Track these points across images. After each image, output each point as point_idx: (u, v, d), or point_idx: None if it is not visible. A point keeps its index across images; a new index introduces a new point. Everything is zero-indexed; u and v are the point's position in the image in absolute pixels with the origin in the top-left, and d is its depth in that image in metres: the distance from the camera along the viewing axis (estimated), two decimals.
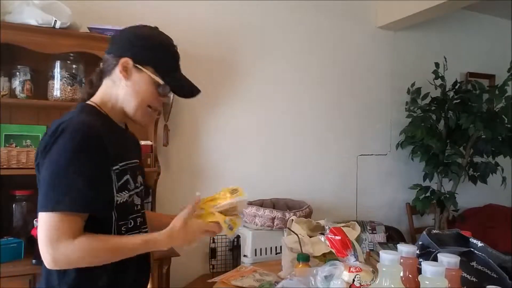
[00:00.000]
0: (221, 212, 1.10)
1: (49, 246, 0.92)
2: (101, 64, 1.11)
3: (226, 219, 1.08)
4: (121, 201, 1.04)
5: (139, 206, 1.13)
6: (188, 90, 1.13)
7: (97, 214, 0.99)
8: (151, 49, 1.07)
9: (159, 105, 1.12)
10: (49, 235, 0.92)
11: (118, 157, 1.04)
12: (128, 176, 1.06)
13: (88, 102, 1.09)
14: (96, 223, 0.99)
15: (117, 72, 1.06)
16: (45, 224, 0.92)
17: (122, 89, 1.07)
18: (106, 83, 1.10)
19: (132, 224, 1.09)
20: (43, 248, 0.93)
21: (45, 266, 0.97)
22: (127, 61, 1.05)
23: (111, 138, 1.02)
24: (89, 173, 0.95)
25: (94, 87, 1.12)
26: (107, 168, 1.00)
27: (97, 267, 0.98)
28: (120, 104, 1.09)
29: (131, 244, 1.00)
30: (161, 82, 1.06)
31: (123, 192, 1.04)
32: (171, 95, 1.14)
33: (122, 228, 1.05)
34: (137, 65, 1.05)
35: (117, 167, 1.03)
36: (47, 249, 0.92)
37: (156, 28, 1.13)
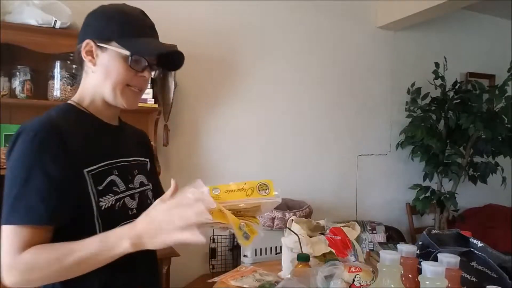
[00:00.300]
0: (236, 213, 0.79)
1: (3, 263, 0.80)
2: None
3: (242, 224, 0.76)
4: (106, 206, 0.90)
5: (134, 210, 0.96)
6: (164, 53, 0.97)
7: (67, 224, 0.85)
8: (112, 22, 0.94)
9: (139, 82, 0.97)
10: (3, 249, 0.81)
11: (95, 156, 0.92)
12: (113, 177, 0.94)
13: (68, 101, 1.00)
14: (77, 234, 0.83)
15: (85, 60, 0.95)
16: (1, 238, 0.82)
17: (93, 76, 0.96)
18: (82, 79, 1.00)
19: None
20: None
21: None
22: (88, 43, 0.93)
23: (83, 136, 0.92)
24: (43, 179, 0.82)
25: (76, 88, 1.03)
26: (73, 171, 0.86)
27: (88, 273, 0.82)
28: (98, 94, 0.97)
29: (86, 246, 0.80)
30: (127, 52, 0.92)
31: (107, 196, 0.91)
32: (149, 75, 0.98)
33: None
34: (100, 44, 0.93)
35: (93, 168, 0.90)
36: (1, 265, 0.80)
37: (122, 3, 0.99)
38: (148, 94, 2.16)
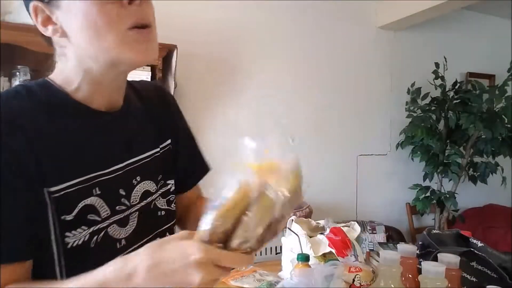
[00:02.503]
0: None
1: None
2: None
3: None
4: (76, 244, 0.64)
5: (123, 242, 0.69)
6: None
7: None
8: None
9: (136, 14, 0.64)
10: None
11: (67, 170, 0.64)
12: (89, 200, 0.66)
13: (45, 78, 0.71)
14: (36, 278, 0.63)
15: (45, 31, 0.69)
16: None
17: (69, 48, 0.68)
18: (59, 61, 0.72)
19: None
20: None
21: None
22: (35, 7, 0.66)
23: (55, 139, 0.64)
24: (4, 202, 0.58)
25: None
26: (32, 191, 0.61)
27: None
28: (88, 67, 0.67)
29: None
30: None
31: (78, 230, 0.64)
32: None
33: None
34: (48, 3, 0.65)
35: (59, 188, 0.63)
36: None
37: None
38: None
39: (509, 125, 3.02)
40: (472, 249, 1.08)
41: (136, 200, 0.73)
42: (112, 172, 0.70)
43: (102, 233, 0.67)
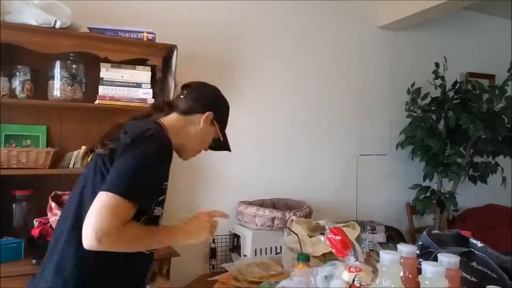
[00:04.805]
0: None
1: (100, 225, 0.96)
2: (178, 103, 1.32)
3: None
4: (156, 214, 1.17)
5: (160, 225, 1.23)
6: (227, 147, 1.41)
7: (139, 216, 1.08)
8: (224, 110, 1.38)
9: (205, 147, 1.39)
10: (106, 214, 0.97)
11: (167, 176, 1.19)
12: (164, 196, 1.20)
13: (159, 121, 1.25)
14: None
15: (198, 117, 1.29)
16: (106, 204, 0.98)
17: (194, 131, 1.29)
18: (178, 118, 1.29)
19: None
20: (94, 225, 0.96)
21: (52, 261, 1.07)
22: (211, 114, 1.30)
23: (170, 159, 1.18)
24: (160, 178, 1.14)
25: (166, 111, 1.32)
26: (164, 181, 1.17)
27: (110, 264, 1.09)
28: (183, 140, 1.28)
29: (160, 235, 1.15)
30: (221, 138, 1.35)
31: (159, 208, 1.18)
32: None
33: None
34: (214, 120, 1.31)
35: (166, 184, 1.18)
36: (97, 226, 0.96)
37: (226, 100, 1.42)
38: (148, 94, 2.16)
39: (509, 125, 3.02)
40: (472, 249, 1.08)
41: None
42: (166, 185, 1.21)
43: (160, 215, 1.22)
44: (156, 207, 1.17)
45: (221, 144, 1.38)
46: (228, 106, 1.40)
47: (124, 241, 1.02)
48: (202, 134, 1.31)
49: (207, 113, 1.29)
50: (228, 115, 1.40)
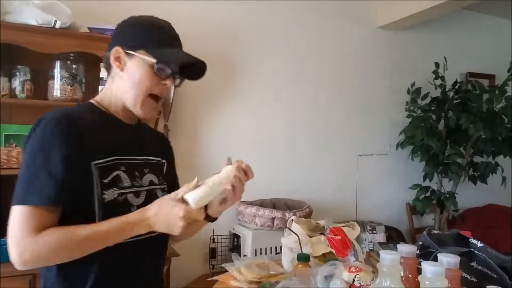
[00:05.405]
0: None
1: (14, 243, 0.87)
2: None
3: None
4: (109, 199, 0.95)
5: (135, 208, 0.99)
6: (187, 63, 1.04)
7: (69, 212, 0.92)
8: (141, 32, 1.02)
9: (161, 91, 1.03)
10: (14, 230, 0.87)
11: (104, 151, 0.98)
12: (118, 172, 0.99)
13: (89, 100, 1.08)
14: (79, 223, 0.92)
15: (113, 65, 1.02)
16: (12, 218, 0.89)
17: (118, 80, 1.03)
18: (107, 82, 1.08)
19: None
20: (9, 245, 0.88)
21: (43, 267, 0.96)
22: (117, 50, 1.01)
23: (98, 131, 0.99)
24: (53, 164, 0.90)
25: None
26: (80, 161, 0.93)
27: (86, 267, 0.93)
28: (120, 98, 1.04)
29: (105, 228, 0.91)
30: (153, 60, 0.99)
31: (111, 190, 0.96)
32: (171, 84, 1.04)
33: None
34: (128, 51, 1.00)
35: (100, 161, 0.96)
36: (11, 246, 0.87)
37: (150, 16, 1.08)
38: None
39: (509, 125, 3.02)
40: (472, 249, 1.08)
41: (145, 184, 1.06)
42: (132, 159, 1.05)
43: (124, 196, 0.99)
44: (105, 191, 0.95)
45: (174, 62, 1.02)
46: (152, 23, 1.05)
47: (45, 249, 0.87)
48: (127, 76, 1.01)
49: (112, 51, 1.01)
50: (154, 31, 1.03)
